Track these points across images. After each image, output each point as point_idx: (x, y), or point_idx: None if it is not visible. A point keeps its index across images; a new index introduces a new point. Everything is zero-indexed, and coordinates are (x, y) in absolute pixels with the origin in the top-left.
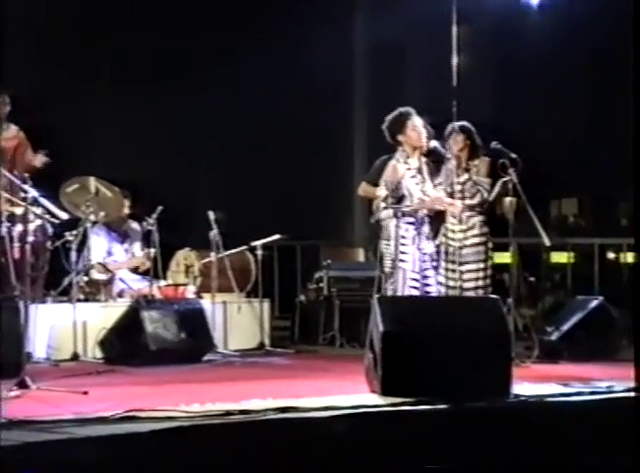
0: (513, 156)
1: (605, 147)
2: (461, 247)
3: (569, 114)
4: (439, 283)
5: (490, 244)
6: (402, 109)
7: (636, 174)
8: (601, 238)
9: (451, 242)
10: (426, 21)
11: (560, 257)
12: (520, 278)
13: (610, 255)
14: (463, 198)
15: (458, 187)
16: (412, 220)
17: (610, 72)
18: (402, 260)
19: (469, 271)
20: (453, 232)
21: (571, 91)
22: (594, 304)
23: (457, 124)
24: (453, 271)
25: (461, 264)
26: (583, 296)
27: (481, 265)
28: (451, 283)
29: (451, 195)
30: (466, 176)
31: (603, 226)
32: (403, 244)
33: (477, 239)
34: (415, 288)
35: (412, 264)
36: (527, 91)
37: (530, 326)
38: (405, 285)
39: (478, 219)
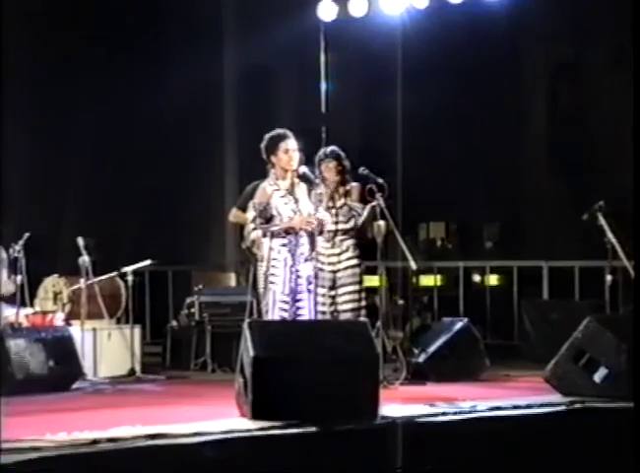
0: (380, 181)
1: (471, 171)
2: (335, 271)
3: (437, 138)
4: (320, 309)
5: (363, 267)
6: (279, 130)
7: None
8: (465, 261)
9: (323, 267)
10: (295, 46)
11: (428, 280)
12: (389, 301)
13: (476, 278)
14: (337, 222)
15: (334, 211)
16: (285, 241)
17: (482, 93)
18: (271, 282)
19: (346, 293)
20: (326, 256)
21: (439, 115)
22: (458, 325)
23: (328, 150)
24: (323, 296)
25: (334, 288)
26: (449, 318)
27: (357, 287)
28: (323, 308)
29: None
30: (342, 201)
31: (468, 249)
32: (274, 266)
33: (351, 262)
34: (284, 310)
35: (281, 286)
36: (394, 116)
37: (398, 348)
38: (274, 307)
39: (350, 242)
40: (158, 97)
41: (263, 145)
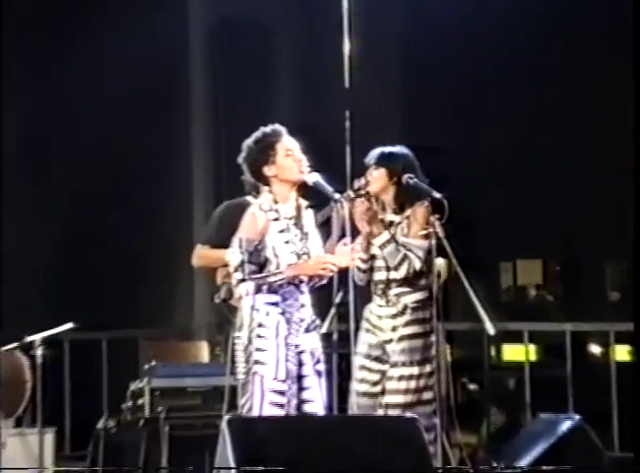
0: (437, 195)
1: (580, 182)
2: (387, 341)
3: (522, 128)
4: (356, 392)
5: (434, 337)
6: (267, 129)
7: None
8: (575, 323)
9: (377, 332)
10: None
11: (516, 352)
12: (453, 385)
13: (594, 349)
14: (388, 268)
15: (378, 252)
16: (275, 299)
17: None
18: (257, 361)
19: (395, 378)
20: (379, 317)
21: (519, 108)
22: (566, 426)
23: (374, 153)
24: (370, 370)
25: (382, 362)
26: (549, 413)
27: (415, 370)
28: (366, 387)
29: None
30: (386, 237)
31: (580, 303)
32: (260, 336)
33: (408, 330)
34: (279, 405)
35: (273, 368)
36: (454, 98)
37: (467, 461)
38: (263, 401)
39: (411, 298)
40: (85, 75)
41: (246, 155)
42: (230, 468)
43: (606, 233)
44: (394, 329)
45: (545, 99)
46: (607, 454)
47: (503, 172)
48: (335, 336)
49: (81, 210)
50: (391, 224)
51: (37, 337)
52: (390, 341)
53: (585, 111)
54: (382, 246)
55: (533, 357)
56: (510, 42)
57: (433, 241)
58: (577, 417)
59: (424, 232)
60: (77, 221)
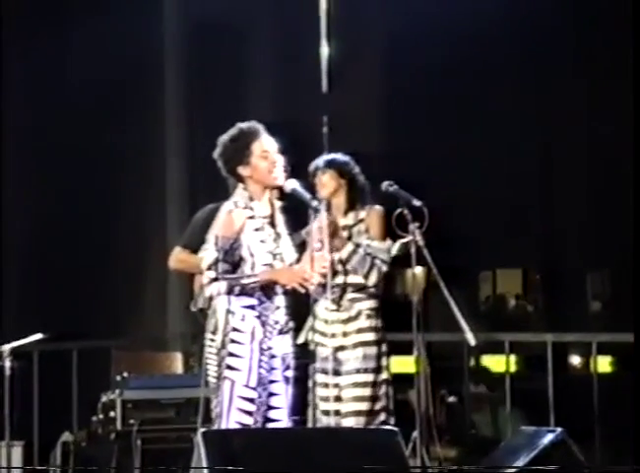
0: (417, 203)
1: (564, 190)
2: (339, 348)
3: (507, 135)
4: (323, 411)
5: (385, 347)
6: (243, 126)
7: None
8: (556, 333)
9: (323, 340)
10: None
11: (496, 363)
12: (432, 398)
13: (575, 360)
14: (346, 272)
15: (336, 256)
16: (252, 302)
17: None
18: (229, 366)
19: (350, 386)
20: (326, 322)
21: (501, 115)
22: (547, 439)
23: (323, 159)
24: (326, 386)
25: (338, 374)
26: (530, 427)
27: (370, 377)
28: (325, 405)
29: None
30: (350, 248)
31: (561, 312)
32: (234, 341)
33: (363, 337)
34: (247, 413)
35: (245, 374)
36: (434, 104)
37: None
38: (231, 406)
39: (366, 304)
40: (59, 74)
41: (221, 153)
42: None
43: (586, 242)
44: (345, 335)
45: (528, 105)
46: (589, 467)
47: (484, 180)
48: (312, 347)
49: (49, 216)
50: (344, 227)
51: (6, 348)
52: (342, 348)
53: (569, 121)
54: (349, 259)
55: (513, 368)
56: (494, 45)
57: (413, 249)
58: (558, 430)
59: (405, 240)
60: (45, 228)
